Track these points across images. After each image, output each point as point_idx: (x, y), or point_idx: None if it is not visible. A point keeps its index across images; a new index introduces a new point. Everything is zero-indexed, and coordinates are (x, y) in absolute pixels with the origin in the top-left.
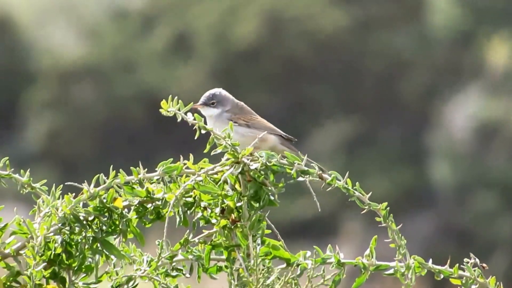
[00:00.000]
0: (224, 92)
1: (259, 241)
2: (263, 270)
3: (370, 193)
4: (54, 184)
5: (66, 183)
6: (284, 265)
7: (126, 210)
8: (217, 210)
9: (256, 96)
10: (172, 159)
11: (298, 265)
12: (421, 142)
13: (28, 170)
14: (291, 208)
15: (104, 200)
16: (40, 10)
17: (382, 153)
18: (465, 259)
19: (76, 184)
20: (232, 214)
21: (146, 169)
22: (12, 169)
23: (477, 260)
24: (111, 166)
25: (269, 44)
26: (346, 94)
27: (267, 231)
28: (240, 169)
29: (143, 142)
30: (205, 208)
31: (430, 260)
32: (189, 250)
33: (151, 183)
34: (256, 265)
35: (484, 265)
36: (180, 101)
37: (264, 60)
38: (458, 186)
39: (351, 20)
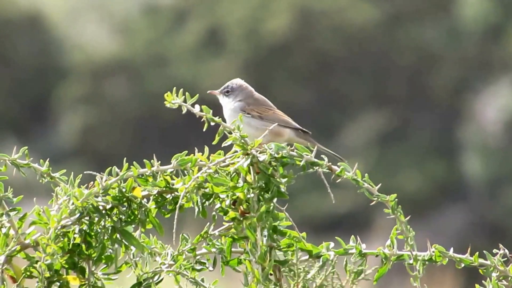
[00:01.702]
0: (241, 83)
1: (266, 233)
2: (303, 268)
3: (379, 185)
4: (72, 173)
5: (84, 172)
6: (307, 257)
7: (145, 200)
8: (228, 202)
9: (287, 90)
10: (186, 151)
11: (320, 256)
12: (453, 136)
13: (48, 161)
14: (325, 202)
15: (123, 190)
16: (72, 7)
17: (414, 147)
18: (494, 250)
19: (93, 173)
20: (241, 206)
21: (159, 162)
22: (31, 159)
23: (506, 251)
24: (144, 160)
25: (300, 38)
26: (377, 87)
27: (287, 223)
28: (249, 161)
29: (175, 137)
30: (223, 199)
31: (451, 249)
32: (211, 243)
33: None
34: (262, 258)
35: None
36: (186, 93)
37: (295, 54)
38: (490, 180)
39: (381, 14)
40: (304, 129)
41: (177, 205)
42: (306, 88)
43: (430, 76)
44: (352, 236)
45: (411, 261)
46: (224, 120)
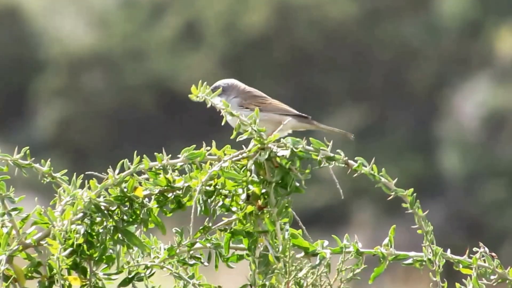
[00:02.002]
0: (232, 81)
1: (287, 227)
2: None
3: (396, 179)
4: (74, 174)
5: (87, 173)
6: (303, 254)
7: (146, 199)
8: (243, 196)
9: (265, 84)
10: (195, 145)
11: (316, 254)
12: (431, 131)
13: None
14: (302, 196)
15: (125, 189)
16: (50, 0)
17: (391, 142)
18: (474, 248)
19: (96, 173)
20: (259, 200)
21: (170, 155)
22: (33, 159)
23: (486, 249)
24: (122, 154)
25: (278, 32)
26: (355, 83)
27: (284, 220)
28: (266, 156)
29: (153, 130)
30: (225, 196)
31: (449, 250)
32: (208, 238)
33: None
34: (289, 255)
35: (494, 254)
36: (209, 87)
37: (273, 49)
38: (468, 175)
39: (359, 9)
40: (303, 114)
41: (194, 198)
42: (284, 82)
43: (408, 71)
44: (347, 234)
45: (430, 256)
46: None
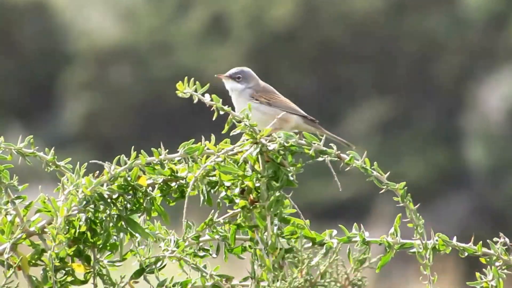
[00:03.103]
0: (251, 71)
1: (276, 221)
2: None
3: (388, 173)
4: (78, 163)
5: (90, 161)
6: (310, 244)
7: (150, 188)
8: (236, 190)
9: (291, 77)
10: (193, 139)
11: (323, 244)
12: (456, 124)
13: (53, 149)
14: (326, 189)
15: (129, 178)
16: None
17: (417, 135)
18: (495, 238)
19: (100, 162)
20: (251, 195)
21: (167, 150)
22: (37, 147)
23: (507, 239)
24: (149, 146)
25: (304, 25)
26: (381, 75)
27: (291, 211)
28: (258, 150)
29: (179, 124)
30: (228, 187)
31: (455, 238)
32: (215, 230)
33: (175, 164)
34: (273, 247)
35: None
36: (197, 82)
37: (299, 42)
38: (493, 168)
39: (385, 2)
40: (311, 117)
41: (186, 195)
42: (310, 75)
43: (433, 64)
44: (355, 224)
45: (420, 250)
46: (231, 105)
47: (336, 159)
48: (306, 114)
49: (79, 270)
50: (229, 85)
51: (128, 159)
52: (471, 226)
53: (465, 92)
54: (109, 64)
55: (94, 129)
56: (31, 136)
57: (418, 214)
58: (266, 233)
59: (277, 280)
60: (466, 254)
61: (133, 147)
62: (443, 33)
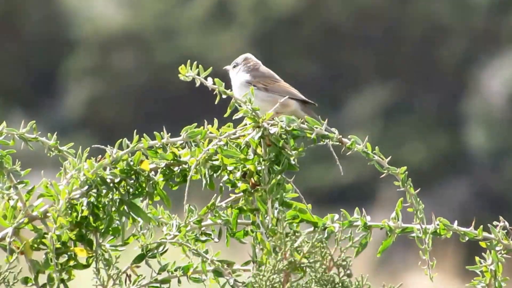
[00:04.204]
0: (246, 56)
1: (277, 205)
2: (288, 233)
3: (389, 157)
4: (80, 147)
5: (92, 146)
6: (312, 229)
7: (152, 172)
8: (238, 174)
9: (295, 62)
10: (196, 123)
11: (325, 228)
12: (458, 108)
13: (55, 134)
14: (329, 174)
15: (131, 163)
16: None
17: (419, 119)
18: (494, 222)
19: (101, 146)
20: (252, 178)
21: (169, 134)
22: (39, 133)
23: (507, 223)
24: (152, 132)
25: (308, 10)
26: (384, 60)
27: (293, 195)
28: (260, 134)
29: (183, 109)
30: (231, 171)
31: (456, 222)
32: (217, 215)
33: (177, 148)
34: (282, 227)
35: None
36: (200, 66)
37: (303, 27)
38: (494, 152)
39: None
40: (309, 100)
41: (188, 178)
42: (313, 60)
43: (437, 48)
44: (357, 208)
45: (420, 234)
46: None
47: (338, 143)
48: (304, 98)
49: (82, 254)
50: (230, 74)
51: (131, 143)
52: (472, 210)
53: (468, 76)
54: (112, 50)
55: (97, 115)
56: (34, 121)
57: (418, 199)
58: (267, 217)
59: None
60: (467, 238)
61: (135, 131)
62: (446, 18)
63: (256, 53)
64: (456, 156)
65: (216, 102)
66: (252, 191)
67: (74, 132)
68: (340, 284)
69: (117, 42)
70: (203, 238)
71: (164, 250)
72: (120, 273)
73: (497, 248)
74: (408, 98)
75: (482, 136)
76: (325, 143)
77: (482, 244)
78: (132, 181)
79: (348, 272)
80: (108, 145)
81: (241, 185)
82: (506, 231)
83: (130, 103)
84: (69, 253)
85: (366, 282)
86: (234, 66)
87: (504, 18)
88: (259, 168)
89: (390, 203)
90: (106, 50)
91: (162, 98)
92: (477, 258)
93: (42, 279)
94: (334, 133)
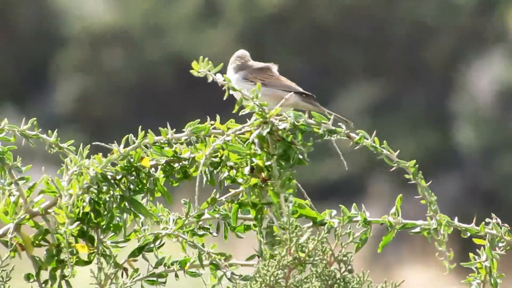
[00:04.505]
0: (239, 54)
1: (291, 198)
2: (295, 228)
3: (398, 151)
4: (81, 144)
5: (93, 143)
6: (311, 224)
7: (153, 169)
8: (247, 169)
9: (283, 59)
10: (199, 119)
11: (324, 223)
12: (446, 106)
13: (56, 131)
14: (319, 168)
15: (132, 160)
16: None
17: (407, 117)
18: (487, 219)
19: (104, 144)
20: (262, 173)
21: (174, 130)
22: (40, 130)
23: (499, 220)
24: (140, 127)
25: (296, 8)
26: (372, 58)
27: (290, 191)
28: (268, 129)
29: (172, 105)
30: (231, 167)
31: (456, 219)
32: (216, 209)
33: (180, 144)
34: (288, 223)
35: (506, 225)
36: (210, 62)
37: (292, 24)
38: (483, 149)
39: None
40: (307, 93)
41: (199, 170)
42: (301, 57)
43: (424, 46)
44: (354, 204)
45: (435, 226)
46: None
47: (345, 138)
48: (302, 90)
49: (83, 250)
50: (227, 72)
51: (136, 138)
52: (462, 207)
53: (455, 74)
54: (102, 46)
55: (86, 111)
56: (35, 118)
57: (430, 191)
58: (280, 211)
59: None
60: (468, 234)
61: (140, 126)
62: (433, 17)
63: (245, 49)
64: (445, 153)
65: (224, 98)
66: (263, 185)
67: (64, 128)
68: (341, 280)
69: (107, 39)
70: (201, 232)
71: (161, 244)
72: (117, 270)
73: (500, 244)
74: (397, 96)
75: (471, 133)
76: (332, 138)
77: (476, 241)
78: (133, 178)
79: (350, 267)
80: (103, 142)
81: (251, 180)
82: (493, 224)
83: (119, 99)
84: (70, 250)
85: (367, 278)
86: (230, 65)
87: (490, 17)
88: (267, 163)
89: (381, 197)
90: (96, 47)
91: (151, 94)
92: (471, 255)
93: (44, 275)
94: (342, 128)
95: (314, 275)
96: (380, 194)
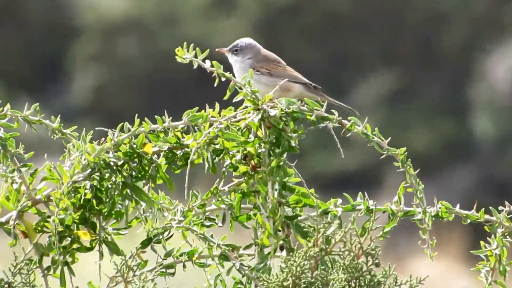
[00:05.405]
0: (250, 41)
1: (277, 186)
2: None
3: (389, 138)
4: (84, 129)
5: (96, 128)
6: (315, 213)
7: (155, 156)
8: (238, 156)
9: (298, 49)
10: (197, 107)
11: (327, 212)
12: (463, 95)
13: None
14: (335, 160)
15: (134, 146)
16: None
17: (424, 105)
18: (500, 207)
19: (104, 129)
20: (252, 161)
21: (171, 118)
22: (43, 115)
23: (511, 207)
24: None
25: None
26: (388, 47)
27: (295, 180)
28: (260, 116)
29: (186, 95)
30: (233, 155)
31: (458, 205)
32: (221, 199)
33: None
34: (273, 211)
35: None
36: (197, 48)
37: (306, 14)
38: (499, 138)
39: None
40: (314, 84)
41: (189, 161)
42: (317, 47)
43: (441, 35)
44: (360, 193)
45: (420, 216)
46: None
47: (337, 125)
48: (308, 82)
49: (85, 237)
50: (230, 58)
51: (132, 127)
52: (477, 196)
53: (472, 63)
54: (116, 36)
55: (102, 101)
56: (37, 104)
57: (418, 179)
58: (268, 198)
59: (278, 248)
60: (468, 221)
61: (136, 114)
62: (450, 4)
63: (259, 39)
64: (461, 142)
65: (215, 85)
66: (252, 173)
67: (80, 119)
68: (368, 273)
69: (121, 29)
70: (208, 223)
71: (169, 236)
72: (124, 262)
73: (499, 230)
74: (413, 85)
75: (487, 123)
76: (325, 125)
77: (487, 228)
78: (135, 164)
79: (377, 261)
80: (111, 129)
81: (241, 168)
82: (511, 215)
83: (134, 89)
84: (72, 236)
85: (393, 272)
86: (236, 50)
87: (508, 4)
88: (259, 150)
89: (397, 188)
90: (110, 37)
91: (166, 84)
92: (482, 243)
93: (47, 262)
94: (334, 115)
95: (341, 267)
96: (397, 185)
